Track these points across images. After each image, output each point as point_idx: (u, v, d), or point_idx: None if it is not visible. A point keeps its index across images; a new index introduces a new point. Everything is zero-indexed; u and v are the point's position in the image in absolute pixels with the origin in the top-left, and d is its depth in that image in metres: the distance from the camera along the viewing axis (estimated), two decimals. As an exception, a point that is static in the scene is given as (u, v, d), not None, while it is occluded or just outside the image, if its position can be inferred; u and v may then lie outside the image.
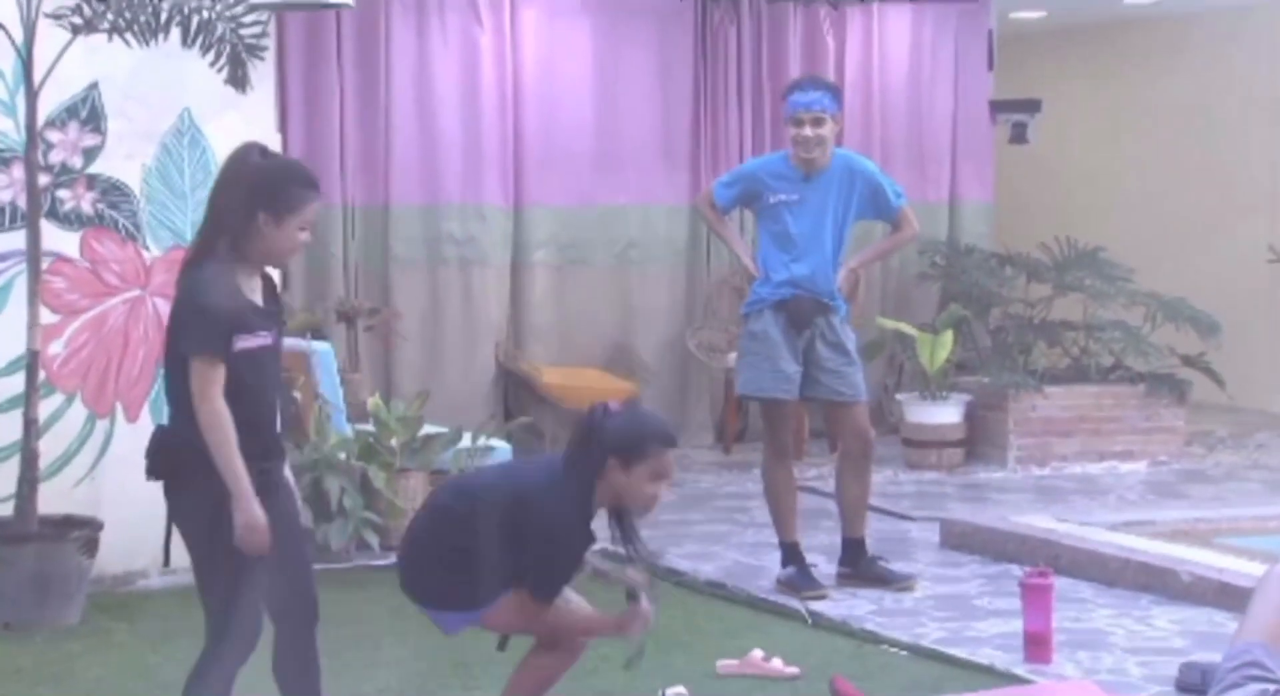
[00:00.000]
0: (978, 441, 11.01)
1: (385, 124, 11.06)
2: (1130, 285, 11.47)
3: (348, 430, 8.48)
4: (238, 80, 7.01)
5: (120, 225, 7.73)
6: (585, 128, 11.51)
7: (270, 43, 7.41)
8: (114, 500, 7.36)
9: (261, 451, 4.79)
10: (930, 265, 12.08)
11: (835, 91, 7.71)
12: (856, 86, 12.09)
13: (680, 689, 5.96)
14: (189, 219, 7.61)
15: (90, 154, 7.68)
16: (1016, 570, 7.48)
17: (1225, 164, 13.41)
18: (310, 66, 10.91)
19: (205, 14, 6.89)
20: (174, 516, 4.81)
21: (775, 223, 7.61)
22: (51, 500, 7.20)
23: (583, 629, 5.18)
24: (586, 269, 11.59)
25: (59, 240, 7.55)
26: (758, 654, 6.39)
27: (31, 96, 7.05)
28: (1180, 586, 7.39)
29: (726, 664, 6.37)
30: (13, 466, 7.11)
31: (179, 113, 7.80)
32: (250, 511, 4.63)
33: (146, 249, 7.74)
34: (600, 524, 5.10)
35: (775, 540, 7.80)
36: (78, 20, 6.96)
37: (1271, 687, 2.40)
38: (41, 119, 7.23)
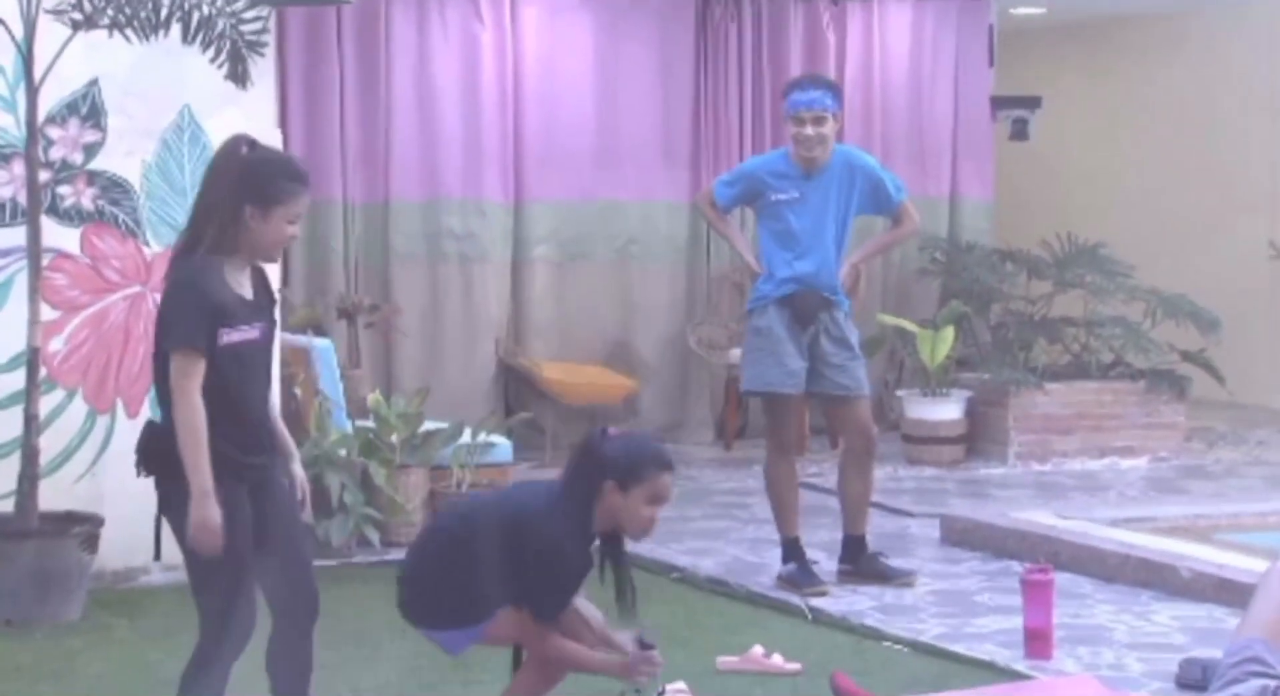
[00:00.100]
0: (978, 438, 11.01)
1: (386, 120, 11.06)
2: (1131, 281, 11.48)
3: (348, 426, 8.49)
4: (238, 76, 7.01)
5: (121, 221, 7.73)
6: (586, 124, 11.51)
7: (270, 39, 7.41)
8: (115, 496, 7.36)
9: (254, 446, 4.79)
10: (931, 261, 12.08)
11: (836, 89, 7.71)
12: (857, 83, 12.09)
13: (681, 685, 5.96)
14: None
15: (91, 150, 7.68)
16: (1017, 566, 7.48)
17: (1225, 160, 13.41)
18: (311, 62, 10.91)
19: (205, 10, 6.89)
20: (164, 511, 4.81)
21: (777, 221, 7.61)
22: (52, 496, 7.20)
23: (588, 667, 5.16)
24: (587, 265, 11.59)
25: (59, 236, 7.55)
26: (758, 650, 6.40)
27: (32, 92, 7.05)
28: (1180, 582, 7.39)
29: (727, 660, 6.37)
30: (13, 462, 7.11)
31: (179, 109, 7.79)
32: (206, 510, 4.60)
33: (147, 245, 7.74)
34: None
35: (775, 536, 7.81)
36: (78, 16, 6.96)
37: (1272, 683, 2.40)
38: (42, 115, 7.23)
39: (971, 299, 11.55)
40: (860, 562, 7.71)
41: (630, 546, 5.26)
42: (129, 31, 6.95)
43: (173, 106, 7.79)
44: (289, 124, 10.31)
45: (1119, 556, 7.72)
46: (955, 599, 7.44)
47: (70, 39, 7.01)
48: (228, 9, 6.92)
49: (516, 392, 11.32)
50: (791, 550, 7.66)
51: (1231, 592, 6.99)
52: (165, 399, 4.74)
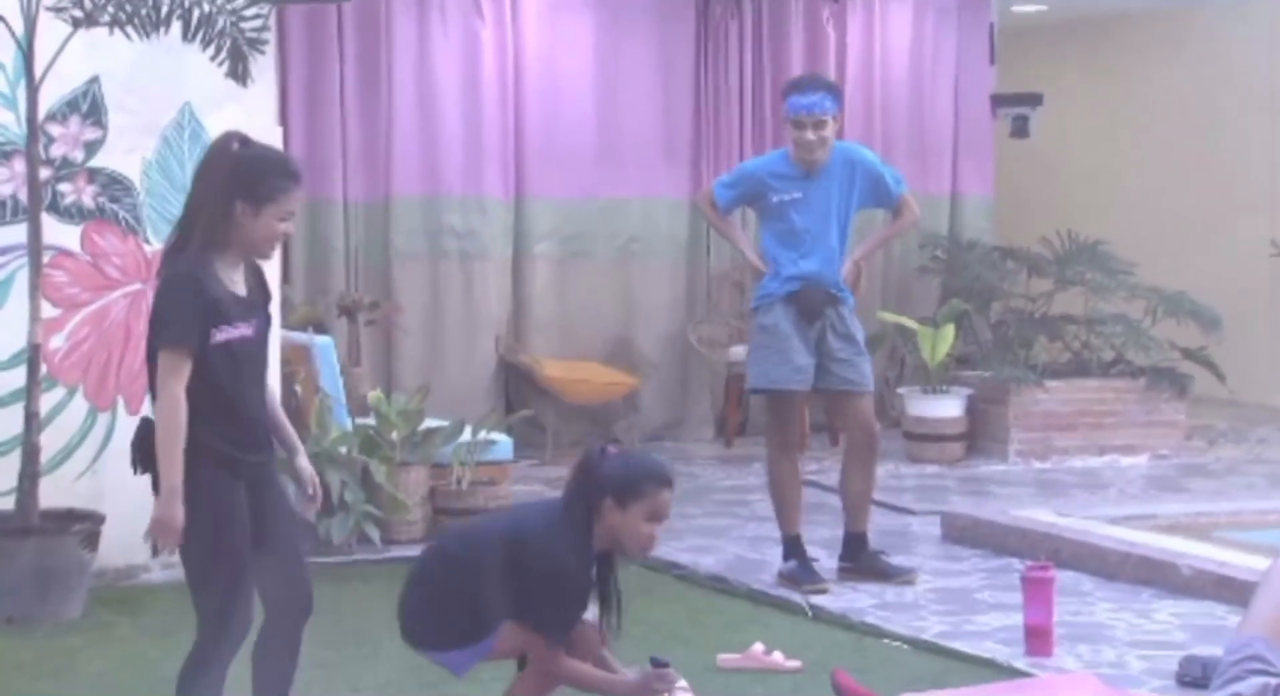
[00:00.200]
0: (979, 435, 11.01)
1: (386, 117, 11.06)
2: (1132, 279, 11.48)
3: (349, 424, 8.48)
4: (239, 74, 7.01)
5: (121, 219, 7.73)
6: (586, 121, 11.51)
7: (271, 36, 7.40)
8: (115, 494, 7.35)
9: (251, 444, 4.78)
10: (931, 259, 12.09)
11: (836, 90, 7.70)
12: (858, 80, 12.09)
13: (682, 683, 5.95)
14: (190, 212, 7.60)
15: (91, 148, 7.68)
16: (1017, 564, 7.48)
17: (1225, 159, 13.41)
18: (311, 60, 10.91)
19: (206, 8, 6.89)
20: None
21: (781, 221, 7.62)
22: (53, 494, 7.20)
23: (601, 689, 5.14)
24: (588, 262, 11.59)
25: (60, 234, 7.55)
26: (759, 647, 6.39)
27: (32, 90, 7.05)
28: (1181, 580, 7.39)
29: (728, 657, 6.37)
30: (14, 460, 7.11)
31: (180, 106, 7.79)
32: (171, 508, 4.59)
33: (147, 242, 7.73)
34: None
35: (776, 534, 7.81)
36: (78, 14, 6.96)
37: (1273, 681, 2.40)
38: (42, 112, 7.23)
39: (972, 296, 11.55)
40: (861, 560, 7.71)
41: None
42: (129, 29, 6.95)
43: (173, 104, 7.78)
44: (289, 121, 10.30)
45: (1119, 554, 7.72)
46: (956, 596, 7.44)
47: (71, 36, 7.00)
48: (228, 6, 6.92)
49: (517, 390, 11.32)
50: (792, 547, 7.66)
51: (1232, 590, 7.00)
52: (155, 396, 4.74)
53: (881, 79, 12.23)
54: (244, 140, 4.80)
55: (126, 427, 7.52)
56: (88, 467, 7.65)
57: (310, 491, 4.99)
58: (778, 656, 6.34)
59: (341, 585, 7.54)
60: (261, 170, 4.75)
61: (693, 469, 10.55)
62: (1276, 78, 13.13)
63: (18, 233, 7.34)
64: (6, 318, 7.42)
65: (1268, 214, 13.03)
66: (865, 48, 12.22)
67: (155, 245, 7.73)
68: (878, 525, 8.22)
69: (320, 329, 9.66)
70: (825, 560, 7.79)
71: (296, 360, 8.62)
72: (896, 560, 7.85)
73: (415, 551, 8.01)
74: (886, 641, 6.68)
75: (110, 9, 6.92)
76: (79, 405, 7.68)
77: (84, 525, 7.14)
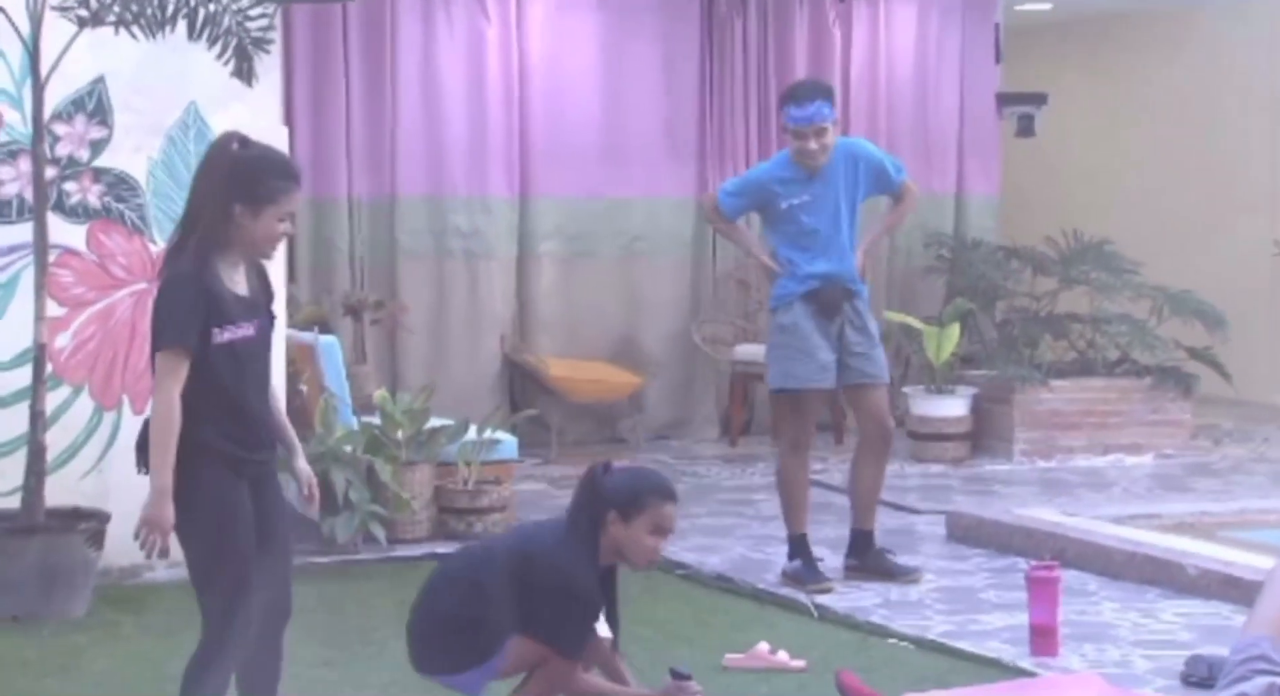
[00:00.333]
0: (984, 434, 11.00)
1: (391, 116, 11.06)
2: (1136, 278, 11.47)
3: (354, 423, 8.48)
4: (244, 73, 7.02)
5: (127, 218, 7.74)
6: (591, 120, 11.51)
7: (276, 36, 7.41)
8: (121, 492, 7.34)
9: (254, 443, 4.78)
10: (936, 258, 12.08)
11: (831, 94, 7.72)
12: (863, 79, 12.09)
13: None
14: (195, 212, 7.60)
15: (97, 147, 7.68)
16: (1022, 563, 7.48)
17: (1227, 159, 13.40)
18: (316, 59, 10.92)
19: (211, 7, 6.90)
20: None
21: (791, 223, 7.63)
22: (58, 492, 7.21)
23: None
24: (592, 261, 11.59)
25: (66, 233, 7.55)
26: (764, 647, 6.40)
27: (38, 89, 7.06)
28: (1186, 579, 7.38)
29: (733, 657, 6.37)
30: (20, 459, 7.12)
31: (185, 106, 7.79)
32: (160, 509, 4.59)
33: (153, 241, 7.73)
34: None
35: (781, 533, 7.81)
36: (84, 13, 6.97)
37: (1279, 681, 2.40)
38: (48, 112, 7.24)
39: (977, 296, 11.54)
40: (867, 558, 7.71)
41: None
42: (135, 28, 6.96)
43: (179, 103, 7.79)
44: (295, 121, 10.31)
45: (1125, 553, 7.72)
46: (961, 596, 7.44)
47: (76, 35, 7.01)
48: (233, 6, 6.92)
49: (522, 389, 11.32)
50: (798, 546, 7.66)
51: (1237, 589, 6.99)
52: None
53: (887, 78, 12.22)
54: (244, 141, 4.79)
55: (132, 427, 7.52)
56: (93, 466, 7.66)
57: (307, 492, 5.00)
58: (783, 656, 6.34)
59: (346, 584, 7.55)
60: (260, 171, 4.74)
61: (697, 468, 10.55)
62: (1276, 78, 13.12)
63: (23, 232, 7.34)
64: (12, 317, 7.43)
65: (1268, 213, 13.02)
66: (870, 47, 12.21)
67: (160, 244, 7.73)
68: (883, 524, 8.21)
69: (325, 328, 9.66)
70: (829, 559, 7.79)
71: (302, 359, 8.62)
72: (901, 559, 7.84)
73: (420, 550, 8.07)
74: (891, 641, 6.68)
75: (116, 8, 6.92)
76: (84, 404, 7.69)
77: (89, 524, 7.15)
